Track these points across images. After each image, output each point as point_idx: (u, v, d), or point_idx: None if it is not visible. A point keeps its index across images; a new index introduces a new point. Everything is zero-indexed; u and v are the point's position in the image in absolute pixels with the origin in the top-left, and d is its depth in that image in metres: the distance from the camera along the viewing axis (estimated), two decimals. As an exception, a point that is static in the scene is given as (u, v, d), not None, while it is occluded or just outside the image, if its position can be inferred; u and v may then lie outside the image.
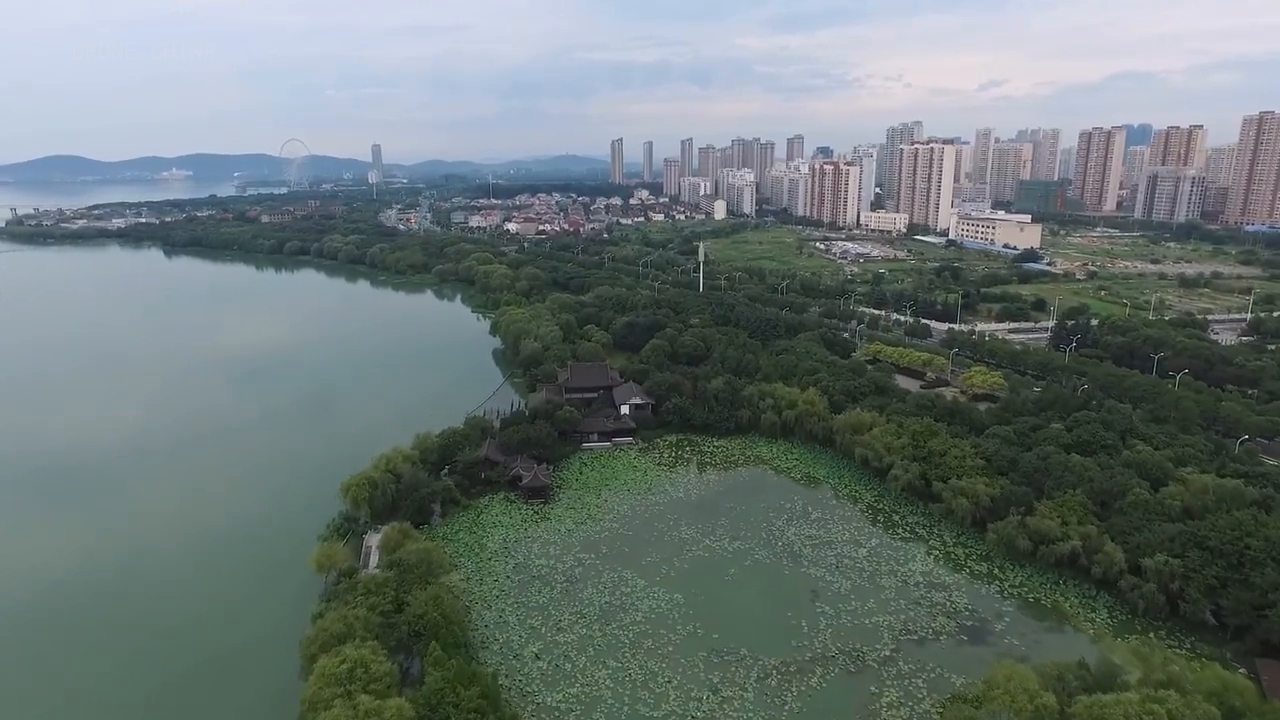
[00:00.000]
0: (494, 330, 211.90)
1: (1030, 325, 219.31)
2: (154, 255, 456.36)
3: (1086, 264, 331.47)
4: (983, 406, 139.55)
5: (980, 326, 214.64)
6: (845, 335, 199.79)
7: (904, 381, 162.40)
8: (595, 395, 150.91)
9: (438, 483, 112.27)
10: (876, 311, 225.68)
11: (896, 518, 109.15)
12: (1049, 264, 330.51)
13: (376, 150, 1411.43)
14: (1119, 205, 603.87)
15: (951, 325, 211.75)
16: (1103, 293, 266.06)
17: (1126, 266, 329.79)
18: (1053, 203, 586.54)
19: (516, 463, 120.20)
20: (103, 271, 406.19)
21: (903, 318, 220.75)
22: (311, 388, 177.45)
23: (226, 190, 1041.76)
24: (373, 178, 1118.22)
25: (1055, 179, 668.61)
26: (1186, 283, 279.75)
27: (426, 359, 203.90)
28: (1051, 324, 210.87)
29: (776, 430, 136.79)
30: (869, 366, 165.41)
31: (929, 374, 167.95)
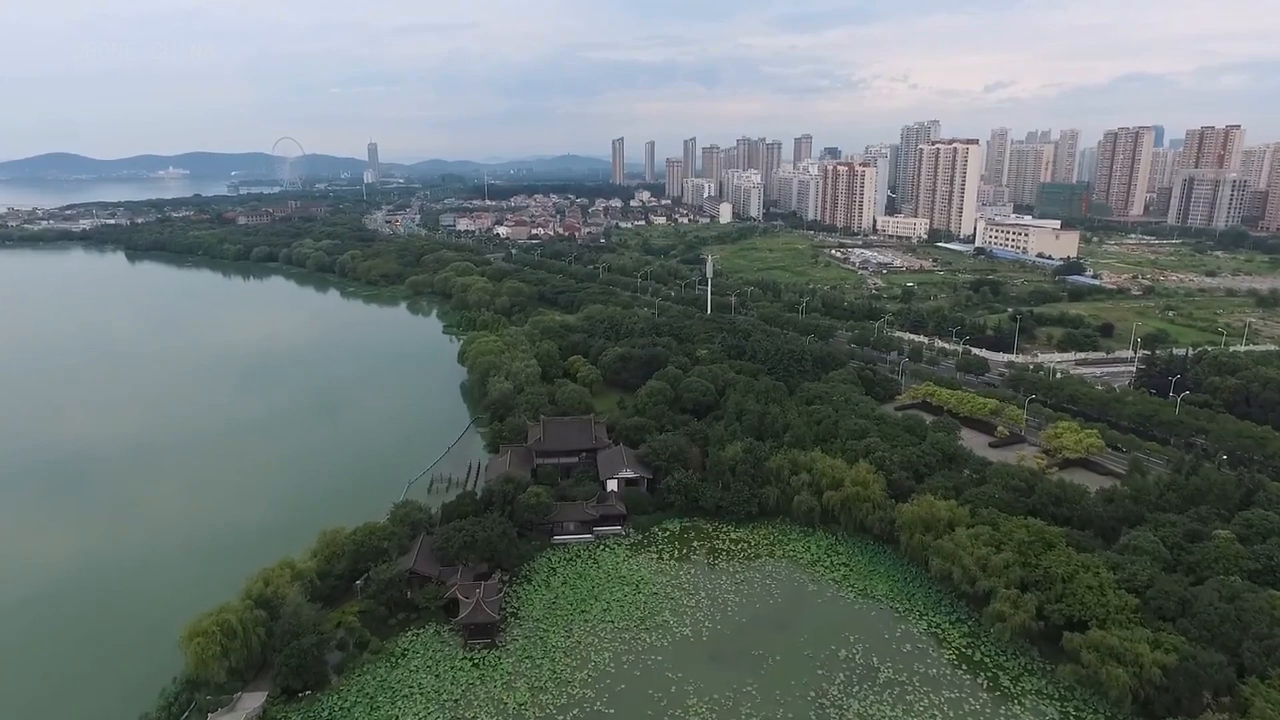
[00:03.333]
0: (461, 359, 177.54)
1: (1101, 356, 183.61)
2: (109, 261, 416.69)
3: (1137, 276, 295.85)
4: (1093, 488, 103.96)
5: (1042, 357, 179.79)
6: (885, 369, 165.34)
7: (967, 436, 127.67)
8: (575, 461, 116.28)
9: (330, 622, 77.52)
10: (917, 338, 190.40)
11: (1006, 680, 74.01)
12: (1095, 276, 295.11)
13: (372, 149, 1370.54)
14: (1146, 209, 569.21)
15: (1010, 357, 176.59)
16: (1171, 313, 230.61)
17: (1180, 280, 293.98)
18: (1077, 207, 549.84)
19: (455, 577, 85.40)
20: (32, 281, 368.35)
21: (949, 345, 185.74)
22: (222, 435, 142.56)
23: (221, 190, 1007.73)
24: (368, 177, 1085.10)
25: (1074, 182, 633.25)
26: (1264, 301, 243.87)
27: (380, 396, 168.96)
28: (1131, 356, 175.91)
29: (815, 517, 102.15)
30: (926, 420, 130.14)
31: (1000, 428, 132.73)
